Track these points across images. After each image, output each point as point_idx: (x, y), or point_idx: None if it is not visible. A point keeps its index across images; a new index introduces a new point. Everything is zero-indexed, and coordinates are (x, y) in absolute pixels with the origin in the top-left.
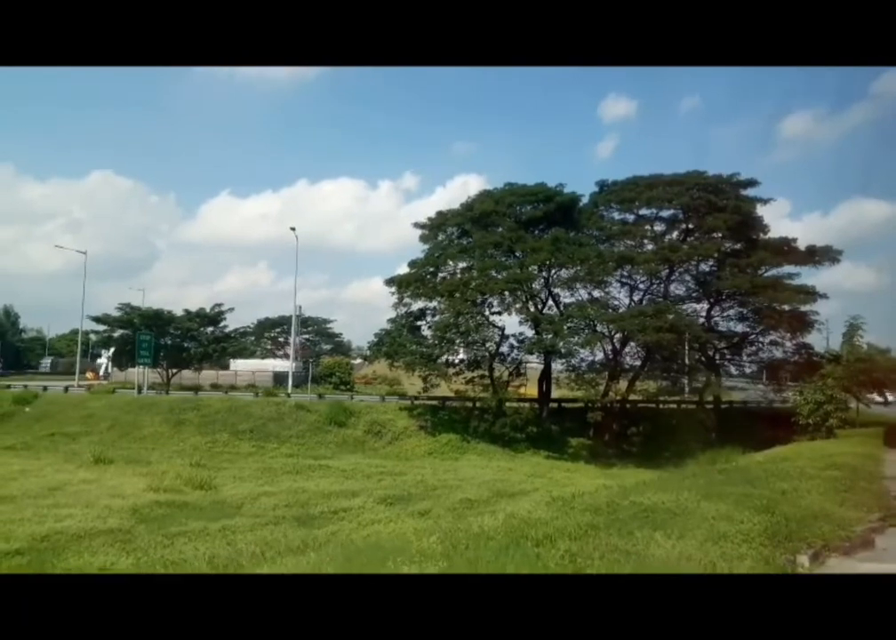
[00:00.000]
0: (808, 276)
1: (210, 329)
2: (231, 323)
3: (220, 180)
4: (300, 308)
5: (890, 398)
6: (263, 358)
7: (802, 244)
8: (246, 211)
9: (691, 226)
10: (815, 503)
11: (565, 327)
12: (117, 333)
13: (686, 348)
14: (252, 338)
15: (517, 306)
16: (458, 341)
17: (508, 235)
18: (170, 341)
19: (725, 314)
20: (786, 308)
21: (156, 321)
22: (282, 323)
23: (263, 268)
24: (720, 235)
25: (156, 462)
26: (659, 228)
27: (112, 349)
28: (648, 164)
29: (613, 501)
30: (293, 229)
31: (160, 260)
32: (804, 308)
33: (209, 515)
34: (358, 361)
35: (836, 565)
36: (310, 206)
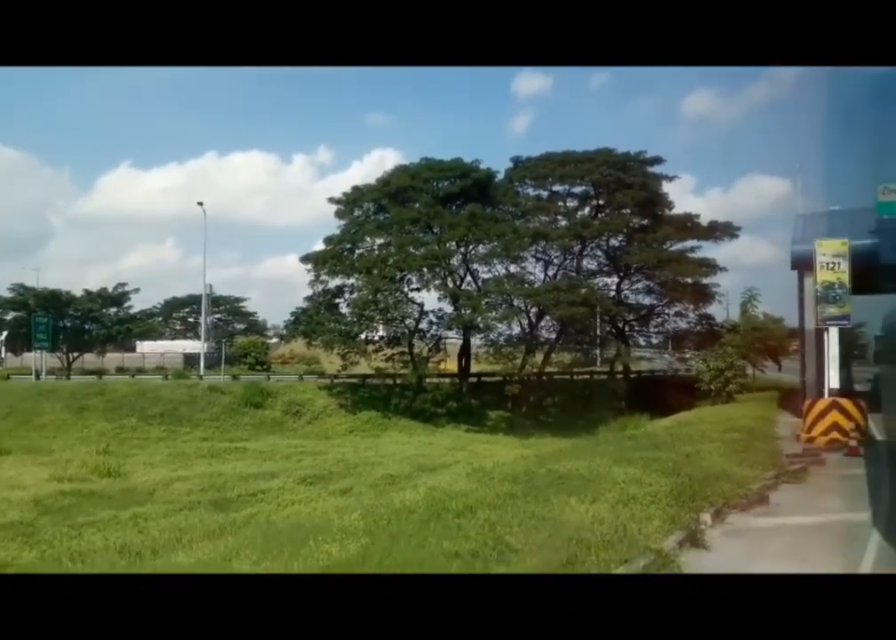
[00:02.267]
0: (710, 250)
1: (113, 310)
2: (137, 303)
3: (118, 150)
4: (211, 286)
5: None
6: (173, 339)
7: (704, 220)
8: (149, 184)
9: (601, 202)
10: (716, 464)
11: (483, 303)
12: (10, 316)
13: (598, 320)
14: (160, 319)
15: (436, 282)
16: (377, 319)
17: (425, 210)
18: (69, 324)
19: (634, 287)
20: (689, 280)
21: (54, 302)
22: (191, 302)
23: (170, 245)
24: (628, 211)
25: (59, 451)
26: (571, 204)
27: (5, 333)
28: (562, 140)
29: (530, 470)
30: (201, 204)
31: (55, 238)
32: (705, 281)
33: (118, 503)
34: (275, 340)
35: (735, 521)
36: (219, 180)
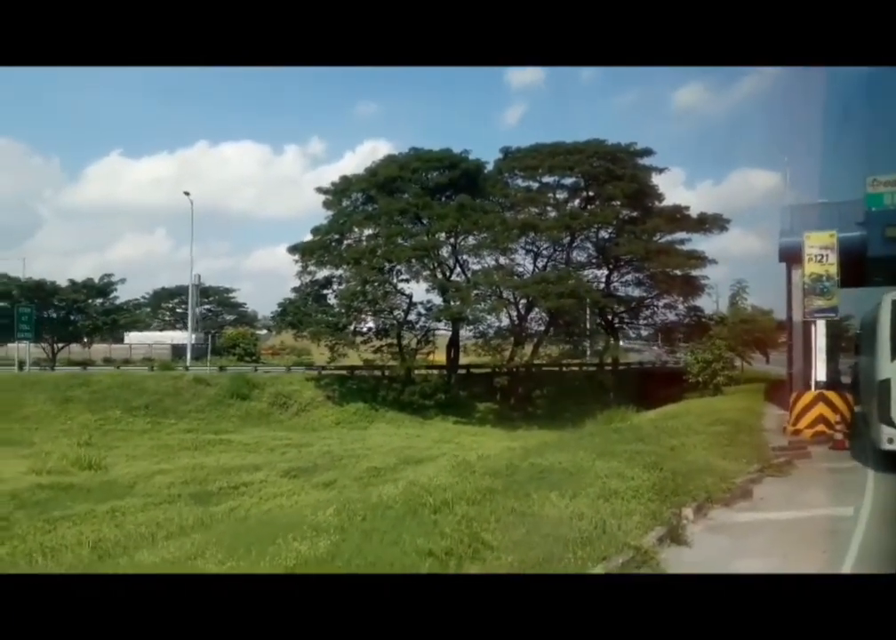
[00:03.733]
0: (701, 243)
1: (99, 301)
2: (125, 294)
3: (108, 139)
4: (199, 276)
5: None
6: (162, 330)
7: (694, 212)
8: (139, 173)
9: (591, 193)
10: (700, 458)
11: (472, 294)
12: None
13: (587, 313)
14: (148, 309)
15: (425, 273)
16: (365, 310)
17: (414, 201)
18: (55, 314)
19: (623, 279)
20: (678, 273)
21: (38, 293)
22: (180, 293)
23: (160, 235)
24: (618, 202)
25: (40, 443)
26: (561, 195)
27: None
28: (554, 131)
29: (513, 463)
30: (187, 194)
31: (43, 228)
32: (695, 273)
33: (97, 496)
34: (264, 332)
35: (718, 516)
36: (210, 170)
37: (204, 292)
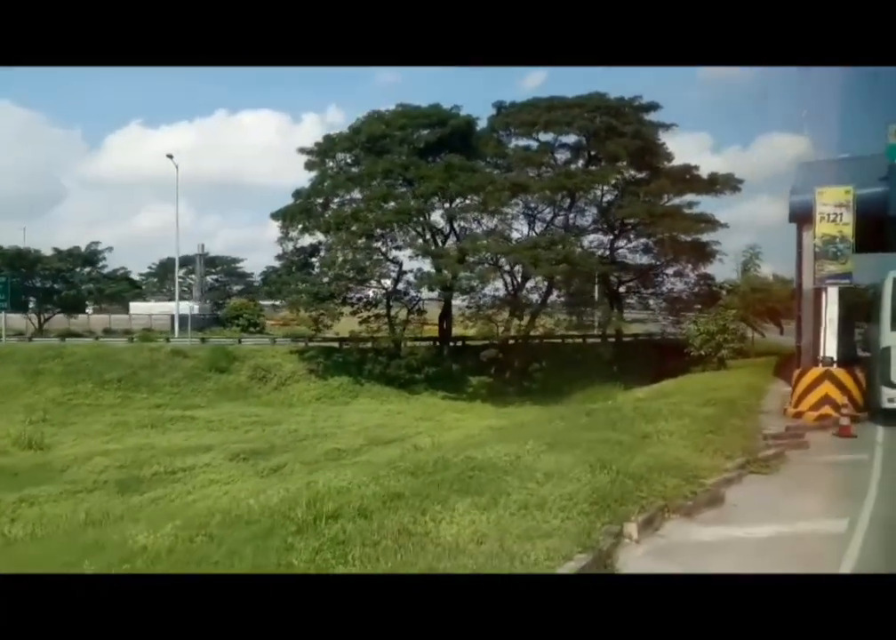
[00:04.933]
0: (721, 209)
1: (87, 269)
2: (140, 265)
3: (128, 110)
4: (203, 246)
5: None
6: (170, 300)
7: (704, 173)
8: (158, 144)
9: (593, 152)
10: (671, 450)
11: (460, 261)
12: None
13: (588, 281)
14: (155, 279)
15: (414, 239)
16: (351, 278)
17: (399, 161)
18: (39, 283)
19: (630, 245)
20: (687, 238)
21: (20, 261)
22: (187, 263)
23: (182, 206)
24: (622, 162)
25: None
26: (561, 155)
27: None
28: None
29: (444, 458)
30: (171, 157)
31: (65, 198)
32: (705, 239)
33: (21, 480)
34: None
35: (671, 532)
36: (230, 139)
37: (211, 263)
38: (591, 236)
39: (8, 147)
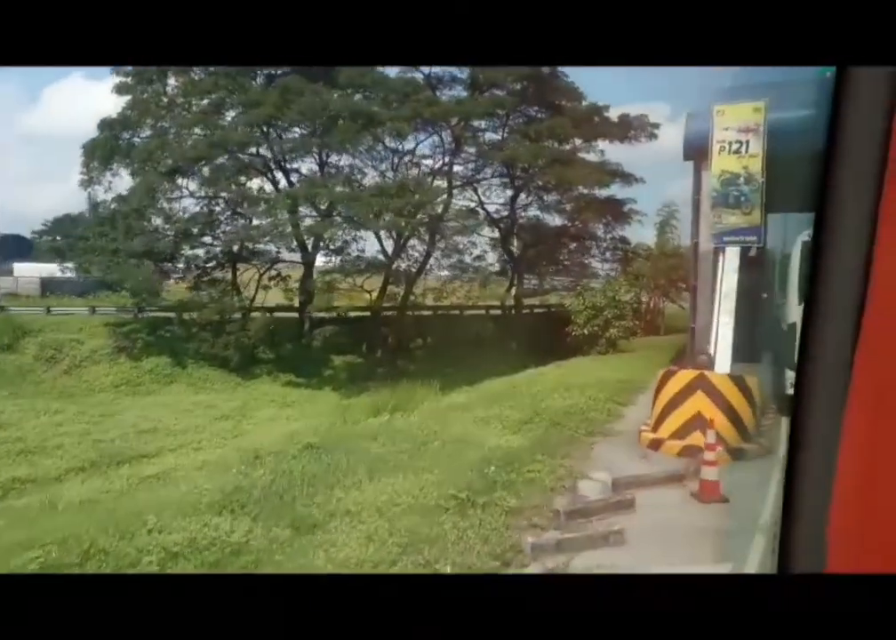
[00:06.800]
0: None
1: None
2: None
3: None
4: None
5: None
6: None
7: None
8: (101, 98)
9: (477, 79)
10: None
11: (297, 211)
12: None
13: (485, 239)
14: (51, 238)
15: (231, 181)
16: (165, 232)
17: (223, 82)
18: None
19: (531, 200)
20: (596, 193)
21: None
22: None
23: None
24: (505, 92)
25: None
26: (439, 84)
27: None
28: None
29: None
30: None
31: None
32: (621, 196)
33: None
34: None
35: None
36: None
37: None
38: (494, 194)
39: None
